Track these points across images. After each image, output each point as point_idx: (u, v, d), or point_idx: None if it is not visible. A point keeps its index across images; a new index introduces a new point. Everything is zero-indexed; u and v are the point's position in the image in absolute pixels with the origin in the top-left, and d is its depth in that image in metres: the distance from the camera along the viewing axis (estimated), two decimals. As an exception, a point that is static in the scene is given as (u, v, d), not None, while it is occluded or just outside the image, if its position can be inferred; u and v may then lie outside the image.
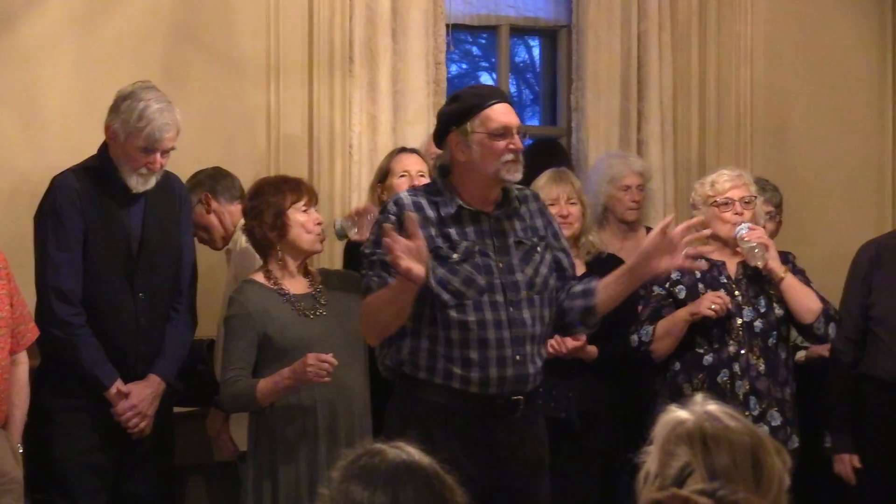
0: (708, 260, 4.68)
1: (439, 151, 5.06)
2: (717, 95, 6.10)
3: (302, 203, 4.37)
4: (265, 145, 5.33)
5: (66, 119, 4.98)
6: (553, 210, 4.69)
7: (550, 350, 4.53)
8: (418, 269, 3.60)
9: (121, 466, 4.45)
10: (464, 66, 7.55)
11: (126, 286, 4.41)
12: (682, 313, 4.58)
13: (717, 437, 2.19)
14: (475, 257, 3.82)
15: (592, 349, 4.63)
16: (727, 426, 2.21)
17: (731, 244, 4.69)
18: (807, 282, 4.72)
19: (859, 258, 5.02)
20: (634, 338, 4.62)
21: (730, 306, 4.55)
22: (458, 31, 5.98)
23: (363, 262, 3.93)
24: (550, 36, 6.24)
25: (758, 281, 4.65)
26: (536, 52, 6.90)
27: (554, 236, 4.02)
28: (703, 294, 4.59)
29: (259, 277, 4.41)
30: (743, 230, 4.58)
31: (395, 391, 3.94)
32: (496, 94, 3.92)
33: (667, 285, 4.68)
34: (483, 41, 7.08)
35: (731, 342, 4.58)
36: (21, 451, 4.20)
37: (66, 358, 4.35)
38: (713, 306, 4.51)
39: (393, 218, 3.81)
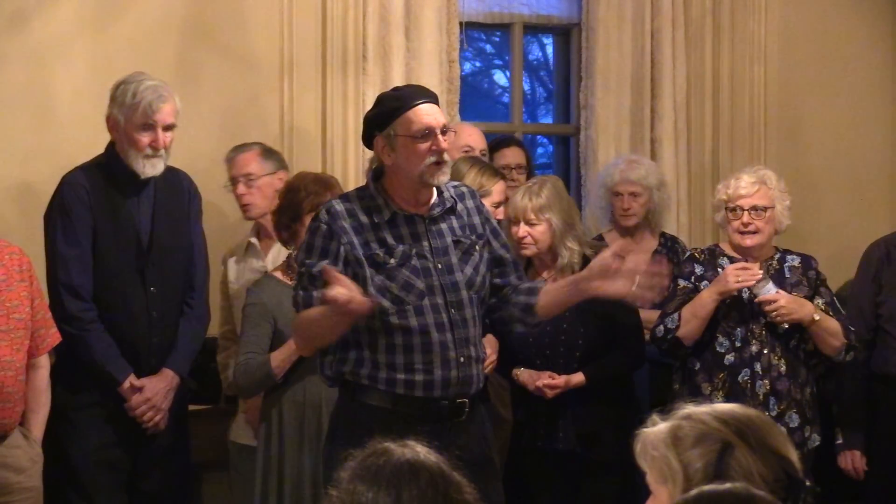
0: (730, 258, 4.68)
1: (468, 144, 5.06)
2: (730, 94, 6.09)
3: None
4: (279, 143, 5.33)
5: (79, 119, 5.00)
6: (514, 229, 4.65)
7: (547, 392, 4.52)
8: (359, 300, 3.60)
9: (136, 464, 4.48)
10: (477, 64, 7.54)
11: (137, 280, 4.43)
12: (708, 293, 4.53)
13: (733, 415, 2.19)
14: (412, 260, 3.79)
15: (577, 378, 4.52)
16: (735, 409, 2.23)
17: (740, 251, 4.66)
18: (829, 292, 4.69)
19: (869, 256, 5.02)
20: (660, 328, 4.58)
21: (756, 272, 4.51)
22: (471, 29, 5.99)
23: (297, 269, 3.92)
24: (564, 34, 6.25)
25: (780, 283, 4.62)
26: (550, 49, 6.89)
27: (493, 233, 3.99)
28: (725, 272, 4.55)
29: (278, 273, 4.51)
30: (763, 293, 4.51)
31: (339, 397, 3.92)
32: (420, 95, 3.85)
33: (692, 279, 4.66)
34: (496, 39, 7.07)
35: (754, 342, 4.55)
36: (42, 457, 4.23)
37: (78, 354, 4.37)
38: (739, 279, 4.48)
39: (324, 227, 3.80)
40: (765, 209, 4.61)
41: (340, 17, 5.43)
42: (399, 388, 3.77)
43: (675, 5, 5.95)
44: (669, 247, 5.33)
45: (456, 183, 4.03)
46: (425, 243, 3.82)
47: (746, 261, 4.63)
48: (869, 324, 4.94)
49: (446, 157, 3.80)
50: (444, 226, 3.88)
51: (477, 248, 3.92)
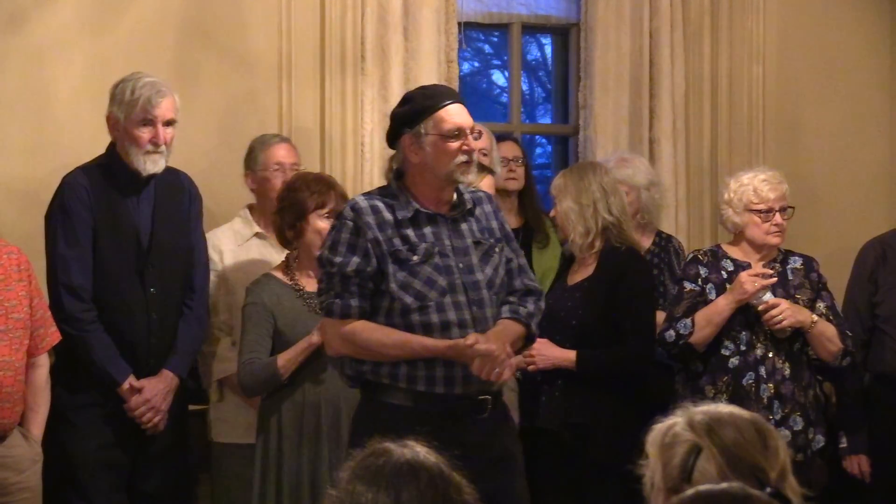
0: (733, 260, 4.67)
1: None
2: (728, 93, 6.09)
3: (326, 210, 4.39)
4: (277, 144, 5.33)
5: (78, 118, 5.00)
6: None
7: (530, 368, 4.53)
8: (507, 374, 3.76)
9: (136, 464, 4.48)
10: (476, 64, 7.53)
11: (137, 281, 4.43)
12: (725, 301, 4.54)
13: (717, 419, 2.24)
14: (435, 258, 3.82)
15: (566, 354, 4.54)
16: (721, 410, 2.27)
17: (763, 249, 4.67)
18: (830, 296, 4.70)
19: (864, 256, 5.02)
20: (671, 333, 4.58)
21: (772, 275, 4.54)
22: (470, 30, 5.99)
23: (321, 268, 3.93)
24: (562, 34, 6.25)
25: (784, 286, 4.63)
26: (548, 49, 6.89)
27: (506, 237, 4.03)
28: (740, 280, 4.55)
29: (277, 272, 4.51)
30: (762, 302, 4.53)
31: (360, 398, 3.94)
32: (449, 95, 3.92)
33: (699, 281, 4.66)
34: (495, 39, 7.06)
35: (759, 345, 4.56)
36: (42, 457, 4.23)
37: (78, 354, 4.37)
38: (756, 284, 4.49)
39: (350, 224, 3.82)
40: (790, 208, 4.66)
41: (339, 18, 5.43)
42: (420, 384, 3.79)
43: (673, 5, 5.95)
44: (663, 246, 5.32)
45: (473, 188, 4.06)
46: (447, 242, 3.86)
47: (750, 265, 4.64)
48: (865, 324, 4.95)
49: (475, 156, 3.87)
50: (464, 227, 3.91)
51: (496, 250, 3.96)
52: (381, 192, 3.93)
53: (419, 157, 3.84)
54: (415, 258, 3.81)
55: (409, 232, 3.83)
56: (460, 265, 3.85)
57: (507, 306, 3.95)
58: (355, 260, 3.79)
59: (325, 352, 4.30)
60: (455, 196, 3.92)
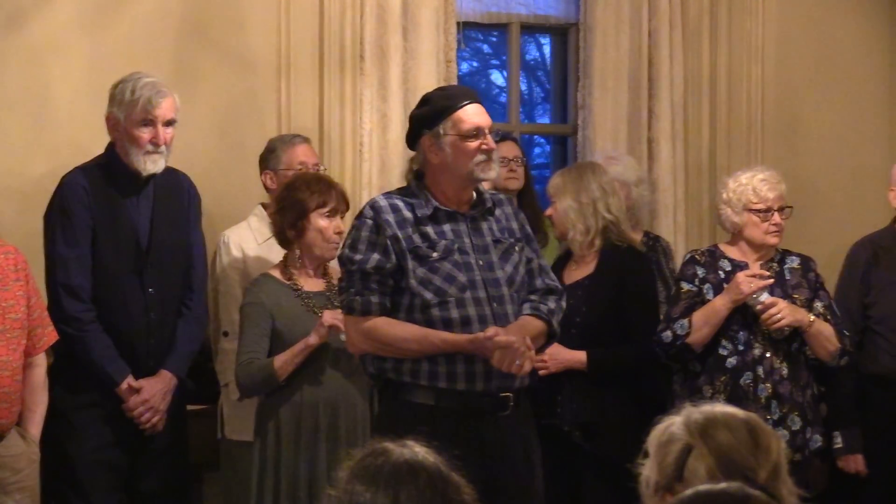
0: (731, 260, 4.68)
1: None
2: (727, 94, 6.09)
3: (327, 209, 4.40)
4: (276, 143, 5.33)
5: (76, 119, 5.00)
6: None
7: (542, 372, 4.54)
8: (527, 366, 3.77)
9: (135, 464, 4.47)
10: (474, 63, 7.55)
11: (136, 281, 4.43)
12: (722, 301, 4.55)
13: (712, 419, 2.26)
14: (454, 255, 3.86)
15: (576, 356, 4.57)
16: (716, 411, 2.29)
17: (761, 249, 4.68)
18: (827, 295, 4.70)
19: (855, 257, 5.02)
20: (668, 333, 4.58)
21: (768, 278, 4.54)
22: (468, 29, 5.99)
23: (341, 266, 3.96)
24: (561, 34, 6.25)
25: (782, 285, 4.64)
26: (547, 49, 6.90)
27: (527, 238, 4.06)
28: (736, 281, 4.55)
29: (275, 272, 4.51)
30: (759, 302, 4.54)
31: (382, 397, 3.96)
32: (467, 95, 3.95)
33: (696, 282, 4.66)
34: (494, 39, 7.08)
35: (757, 345, 4.56)
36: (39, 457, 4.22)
37: (76, 354, 4.37)
38: (752, 285, 4.49)
39: (370, 222, 3.84)
40: (789, 208, 4.67)
41: (338, 17, 5.43)
42: (441, 380, 3.81)
43: (672, 5, 5.95)
44: (651, 246, 5.33)
45: (493, 191, 4.10)
46: (466, 240, 3.91)
47: (748, 265, 4.65)
48: (857, 325, 4.95)
49: (494, 155, 3.90)
50: (483, 225, 3.96)
51: (516, 248, 4.00)
52: (401, 192, 3.98)
53: (439, 158, 3.88)
54: (434, 255, 3.85)
55: (429, 229, 3.87)
56: (480, 262, 3.89)
57: (527, 304, 3.99)
58: (375, 257, 3.83)
59: (322, 352, 4.32)
60: (475, 196, 3.97)
